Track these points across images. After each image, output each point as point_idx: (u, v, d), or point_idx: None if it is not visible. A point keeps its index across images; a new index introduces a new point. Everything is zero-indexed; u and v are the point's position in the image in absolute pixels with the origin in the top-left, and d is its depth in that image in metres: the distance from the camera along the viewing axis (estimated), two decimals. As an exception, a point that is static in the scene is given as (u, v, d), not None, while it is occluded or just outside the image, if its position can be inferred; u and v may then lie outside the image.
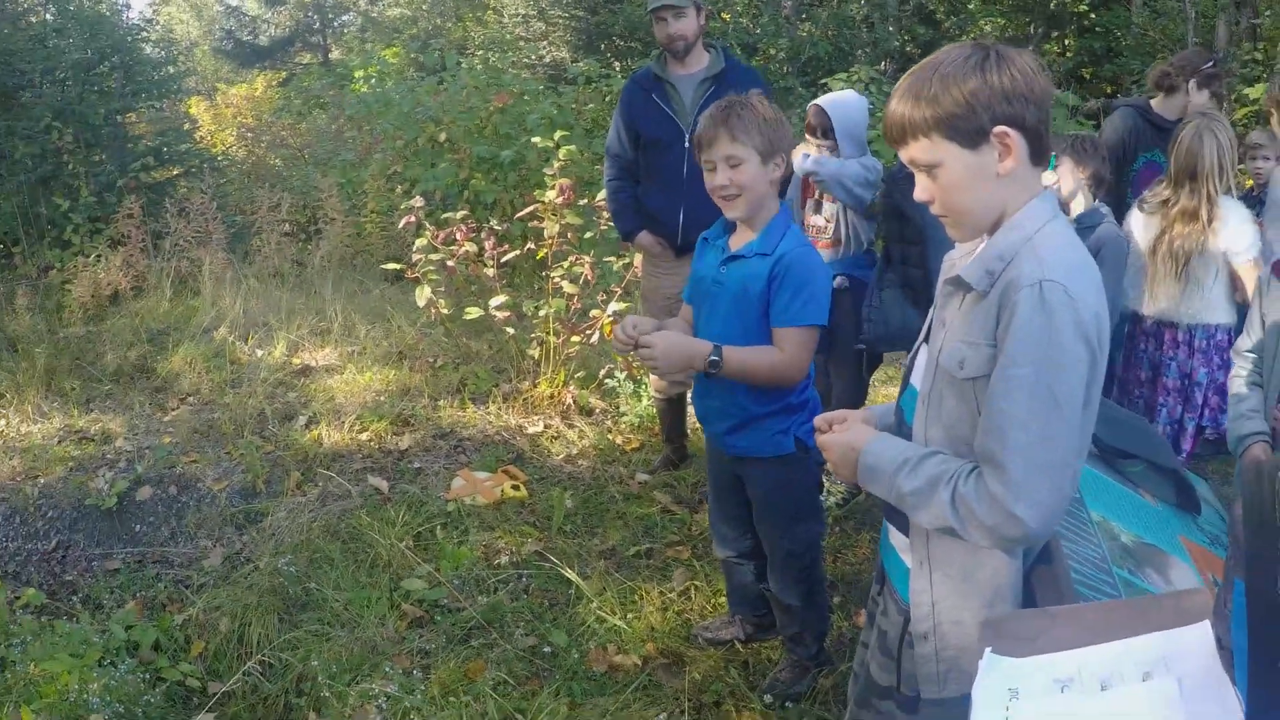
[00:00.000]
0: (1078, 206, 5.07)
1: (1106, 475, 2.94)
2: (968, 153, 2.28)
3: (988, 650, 1.83)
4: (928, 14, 19.52)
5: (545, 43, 22.60)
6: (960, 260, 2.49)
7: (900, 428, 2.60)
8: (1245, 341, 3.82)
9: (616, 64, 18.83)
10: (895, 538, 2.64)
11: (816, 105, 5.50)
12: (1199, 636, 1.62)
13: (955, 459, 2.34)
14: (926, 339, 2.57)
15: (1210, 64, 6.07)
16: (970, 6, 19.75)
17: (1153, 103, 6.16)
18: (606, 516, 5.51)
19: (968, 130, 2.25)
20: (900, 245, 4.95)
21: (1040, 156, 2.34)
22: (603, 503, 5.65)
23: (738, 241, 3.69)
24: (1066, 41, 19.01)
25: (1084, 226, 5.00)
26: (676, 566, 5.01)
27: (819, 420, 2.71)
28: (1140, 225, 5.11)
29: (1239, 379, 3.80)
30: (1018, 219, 2.31)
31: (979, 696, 1.76)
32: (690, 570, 4.96)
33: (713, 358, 3.49)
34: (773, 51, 17.12)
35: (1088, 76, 17.76)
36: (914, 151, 2.34)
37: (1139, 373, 5.25)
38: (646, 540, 5.28)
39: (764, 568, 4.16)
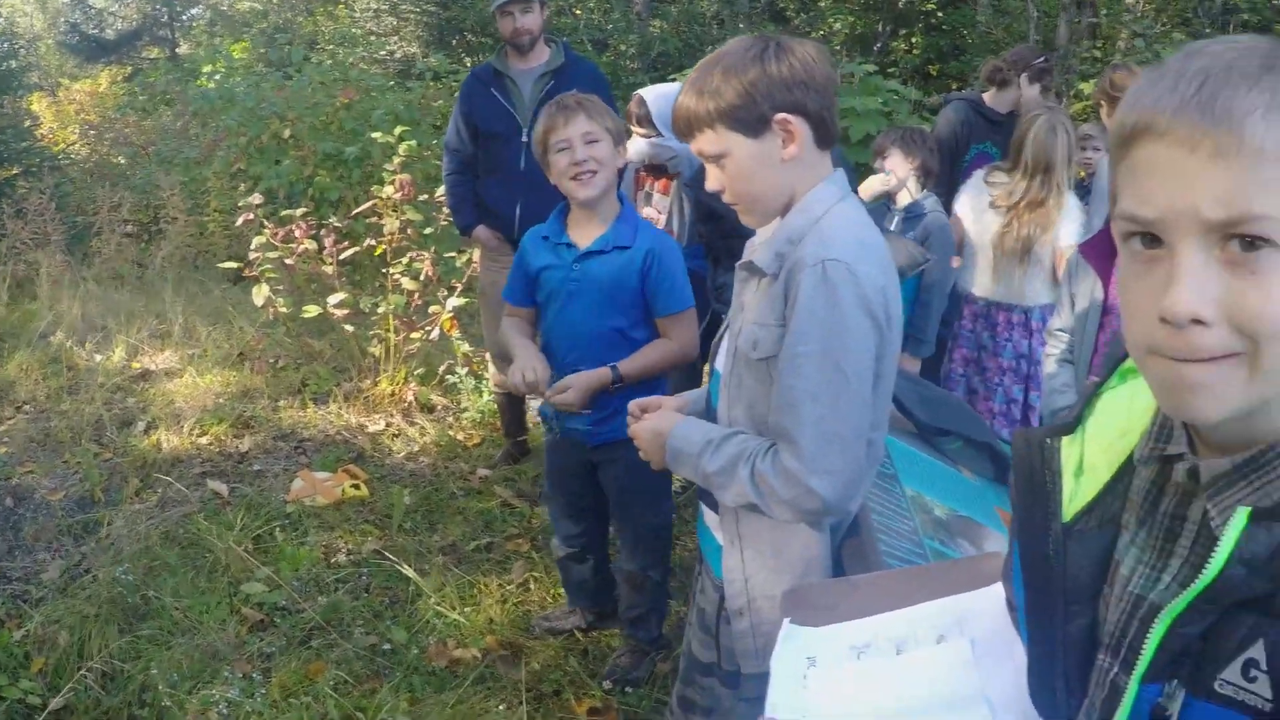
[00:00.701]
0: (907, 196, 5.17)
1: (923, 452, 3.00)
2: (752, 141, 2.32)
3: (786, 620, 1.85)
4: (778, 11, 19.72)
5: (396, 38, 22.37)
6: (757, 245, 2.52)
7: (709, 411, 2.64)
8: (1057, 321, 3.95)
9: (468, 59, 18.74)
10: (708, 516, 2.67)
11: (638, 95, 5.53)
12: (991, 598, 1.65)
13: (756, 438, 2.38)
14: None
15: (1042, 59, 6.25)
16: (820, 4, 19.99)
17: (985, 96, 6.34)
18: (447, 512, 5.47)
19: (750, 120, 2.30)
20: (723, 242, 4.95)
21: (826, 141, 2.40)
22: (443, 499, 5.61)
23: (583, 236, 3.69)
24: (914, 39, 19.33)
25: (913, 215, 5.11)
26: (516, 559, 5.00)
27: (632, 406, 2.75)
28: (971, 211, 5.21)
29: (1052, 357, 3.92)
30: (806, 202, 2.35)
31: (777, 667, 1.78)
32: (530, 562, 4.96)
33: (615, 381, 3.57)
34: (623, 48, 17.19)
35: (934, 73, 18.09)
36: (701, 143, 2.38)
37: (964, 352, 5.38)
38: (487, 535, 5.26)
39: (603, 560, 4.22)
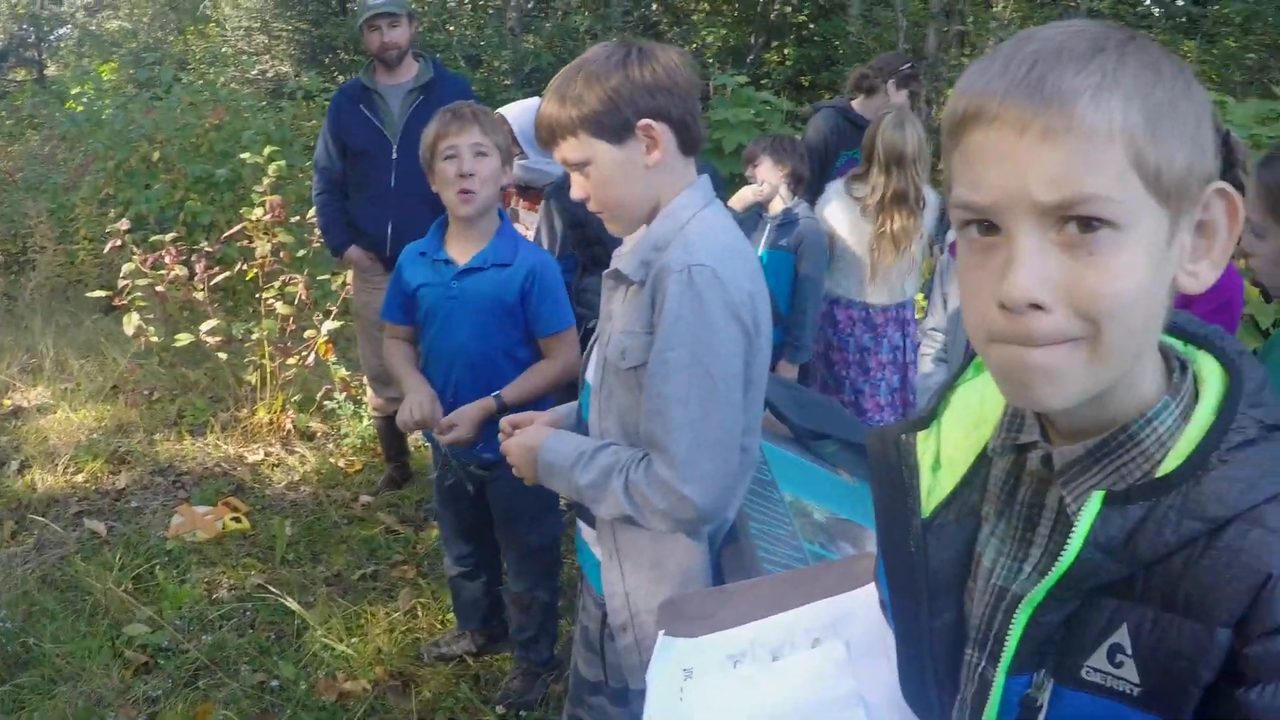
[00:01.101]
0: (779, 204, 5.20)
1: (801, 457, 3.01)
2: (615, 148, 2.30)
3: (660, 633, 1.85)
4: (651, 24, 19.84)
5: (268, 56, 22.12)
6: (624, 253, 2.50)
7: (580, 423, 2.61)
8: (930, 320, 4.00)
9: (340, 77, 18.56)
10: (585, 532, 2.65)
11: (499, 114, 5.49)
12: (866, 598, 1.66)
13: (628, 448, 2.36)
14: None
15: (908, 65, 6.32)
16: (694, 17, 20.13)
17: (854, 104, 6.39)
18: (330, 542, 5.37)
19: (613, 126, 2.28)
20: (586, 250, 4.92)
21: (690, 147, 2.39)
22: (326, 528, 5.50)
23: (462, 252, 3.63)
24: (786, 50, 19.53)
25: (785, 223, 5.14)
26: (403, 586, 4.92)
27: (504, 423, 2.72)
28: (845, 221, 5.26)
29: (927, 356, 3.97)
30: (671, 208, 2.35)
31: (653, 681, 1.78)
32: (417, 589, 4.88)
33: (500, 410, 3.48)
34: (496, 63, 17.14)
35: (806, 84, 18.30)
36: (565, 151, 2.35)
37: (846, 355, 5.42)
38: (371, 562, 5.17)
39: (495, 580, 4.15)
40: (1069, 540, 1.07)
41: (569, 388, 4.67)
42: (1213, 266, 1.07)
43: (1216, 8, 16.03)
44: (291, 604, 4.59)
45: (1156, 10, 17.99)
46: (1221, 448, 1.05)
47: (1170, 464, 1.06)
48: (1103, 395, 1.07)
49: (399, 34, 5.49)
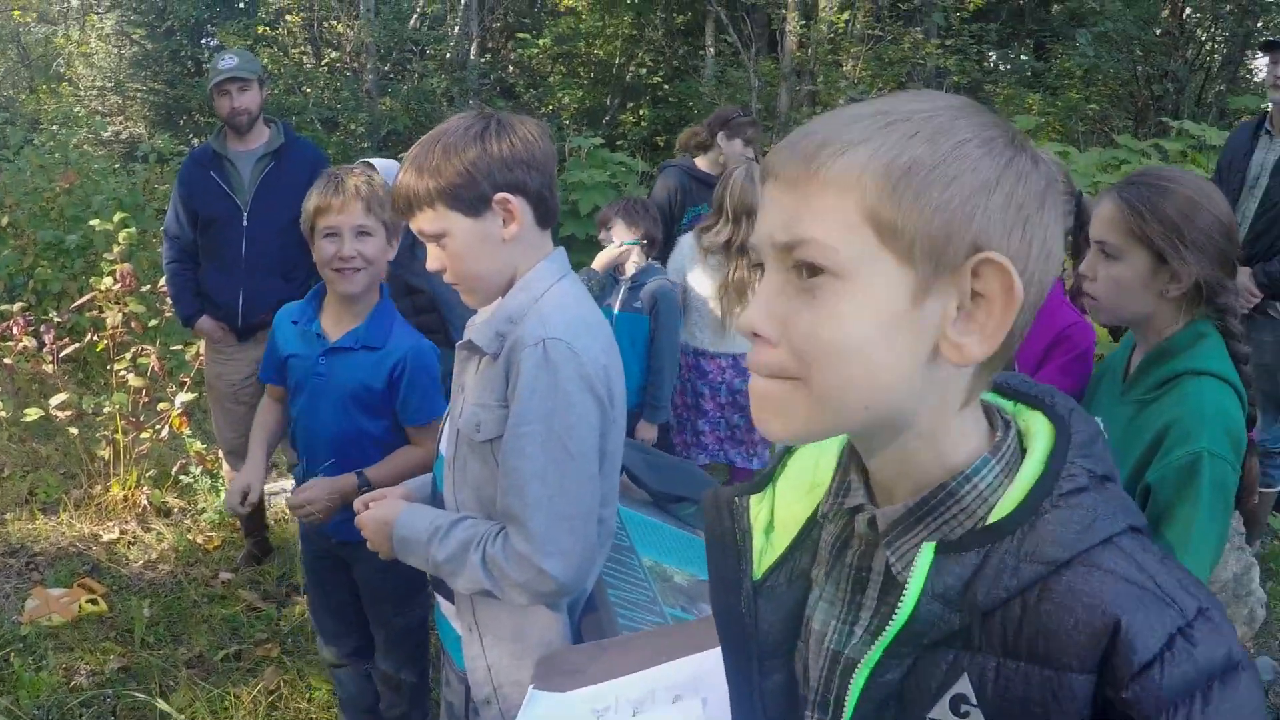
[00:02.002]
0: (632, 266, 5.24)
1: (659, 520, 3.01)
2: (471, 221, 2.31)
3: (530, 687, 1.89)
4: (508, 87, 19.91)
5: (121, 117, 21.74)
6: (478, 324, 2.50)
7: (435, 495, 2.59)
8: None
9: (195, 140, 18.30)
10: (444, 606, 2.62)
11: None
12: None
13: (485, 521, 2.35)
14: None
15: (735, 114, 6.42)
16: (550, 79, 20.24)
17: (696, 161, 6.48)
18: (191, 622, 5.21)
19: (470, 199, 2.29)
20: (416, 318, 4.87)
21: (546, 220, 2.41)
22: (186, 607, 5.34)
23: (335, 327, 3.48)
24: (641, 111, 19.71)
25: (639, 284, 5.17)
26: (267, 665, 4.80)
27: (357, 502, 2.67)
28: (695, 268, 5.34)
29: None
30: (526, 280, 2.36)
31: None
32: (282, 667, 4.76)
33: (362, 488, 3.31)
34: (353, 126, 17.04)
35: (661, 144, 18.46)
36: (421, 222, 2.35)
37: (719, 399, 5.46)
38: (234, 642, 5.03)
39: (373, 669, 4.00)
40: (903, 594, 1.08)
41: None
42: (983, 340, 1.05)
43: (1059, 61, 16.55)
44: (146, 697, 4.42)
45: (1002, 65, 18.51)
46: (1054, 494, 1.06)
47: (1001, 511, 1.07)
48: (903, 453, 1.10)
49: (249, 99, 5.41)
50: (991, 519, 1.07)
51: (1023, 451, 1.13)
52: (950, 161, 1.01)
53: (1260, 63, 15.30)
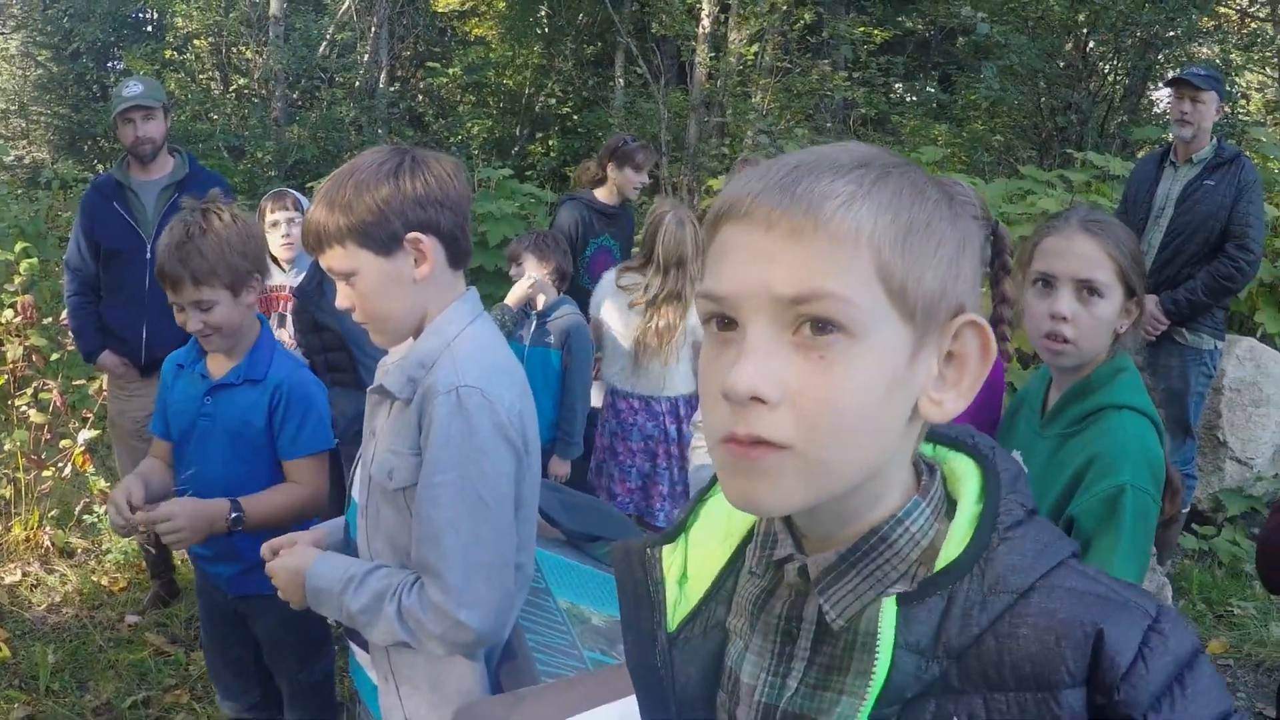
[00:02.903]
0: (543, 300, 5.21)
1: (575, 561, 2.97)
2: (382, 260, 2.26)
3: None
4: (417, 116, 19.81)
5: (25, 141, 21.36)
6: (389, 367, 2.45)
7: (348, 543, 2.54)
8: (700, 414, 4.00)
9: (101, 166, 18.01)
10: (359, 655, 2.56)
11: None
12: None
13: (400, 571, 2.30)
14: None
15: (621, 142, 6.45)
16: (459, 109, 20.19)
17: (596, 193, 6.49)
18: (97, 667, 5.07)
19: (381, 237, 2.24)
20: (324, 355, 4.80)
21: (459, 260, 2.37)
22: (92, 652, 5.19)
23: (219, 367, 3.35)
24: (550, 142, 19.72)
25: (550, 319, 5.14)
26: (177, 712, 4.67)
27: (265, 548, 2.58)
28: (616, 313, 5.29)
29: (700, 449, 3.96)
30: (438, 323, 2.32)
31: None
32: (192, 714, 4.65)
33: (234, 515, 3.14)
34: (260, 155, 16.86)
35: (570, 175, 18.46)
36: (331, 259, 2.30)
37: (630, 444, 5.41)
38: (143, 688, 4.89)
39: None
40: (875, 654, 1.06)
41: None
42: (959, 397, 1.08)
43: (964, 94, 16.78)
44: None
45: (909, 97, 18.75)
46: (999, 529, 1.07)
47: (951, 552, 1.07)
48: (844, 503, 1.07)
49: (153, 128, 5.32)
50: (941, 562, 1.07)
51: (948, 493, 1.15)
52: (935, 222, 1.03)
53: (1161, 94, 15.64)
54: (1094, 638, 1.01)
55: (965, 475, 1.14)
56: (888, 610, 1.06)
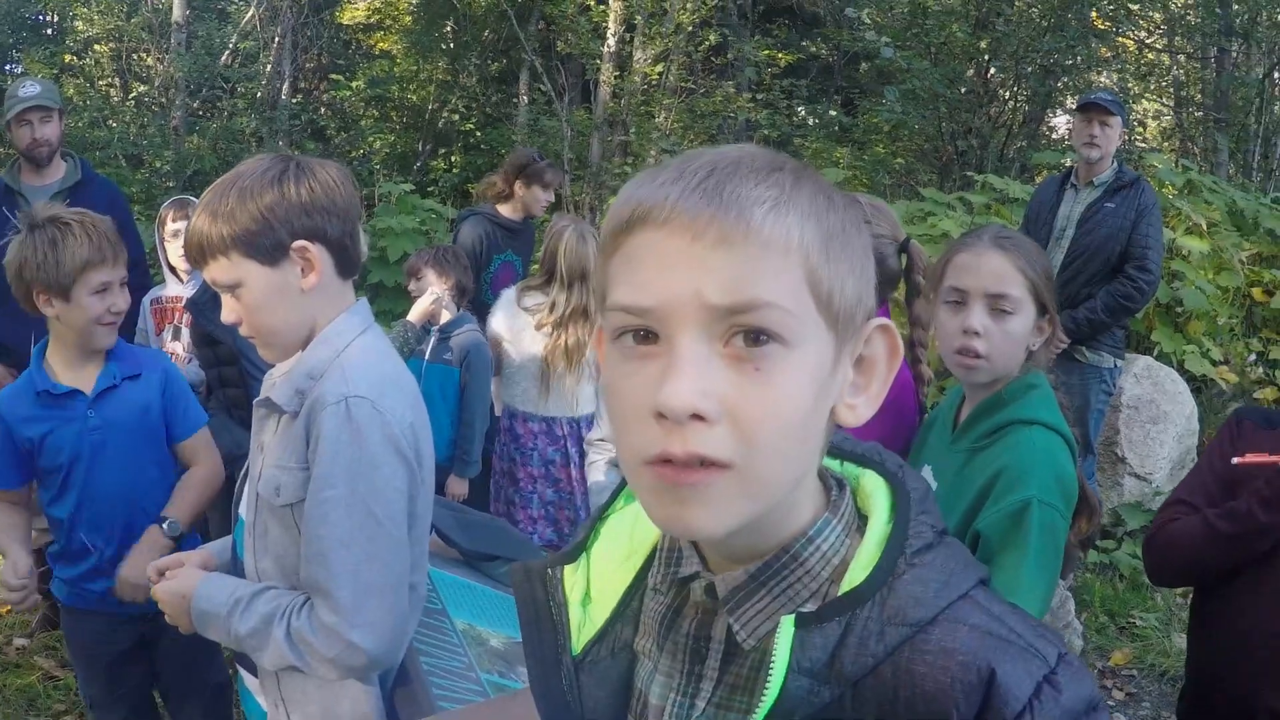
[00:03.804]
0: (445, 316, 5.13)
1: (472, 580, 2.90)
2: (268, 270, 2.18)
3: None
4: (319, 129, 19.59)
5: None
6: (277, 379, 2.35)
7: (235, 563, 2.43)
8: (596, 432, 3.95)
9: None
10: (248, 680, 2.45)
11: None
12: None
13: (288, 592, 2.21)
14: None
15: (530, 158, 6.41)
16: (361, 123, 20.01)
17: (499, 208, 6.40)
18: (-19, 692, 4.87)
19: (266, 246, 2.16)
20: (216, 369, 4.71)
21: (348, 269, 2.29)
22: (-24, 676, 4.99)
23: (84, 378, 3.25)
24: (453, 158, 19.60)
25: (450, 335, 5.06)
26: (66, 737, 4.48)
27: (151, 569, 2.46)
28: (508, 331, 5.21)
29: (597, 464, 3.91)
30: (327, 334, 2.24)
31: None
32: (83, 739, 4.46)
33: (168, 526, 3.14)
34: (158, 164, 16.56)
35: (472, 191, 18.39)
36: (214, 271, 2.21)
37: (531, 469, 5.29)
38: (31, 714, 4.73)
39: None
40: (769, 673, 1.01)
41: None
42: (870, 402, 1.06)
43: (866, 117, 16.96)
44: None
45: (811, 120, 18.90)
46: (906, 554, 1.04)
47: (856, 577, 1.03)
48: (761, 521, 1.02)
49: (50, 130, 5.20)
50: (846, 585, 1.03)
51: (858, 509, 1.11)
52: (848, 228, 1.01)
53: (1059, 120, 15.98)
54: (986, 680, 0.98)
55: (875, 491, 1.12)
56: (784, 630, 1.02)
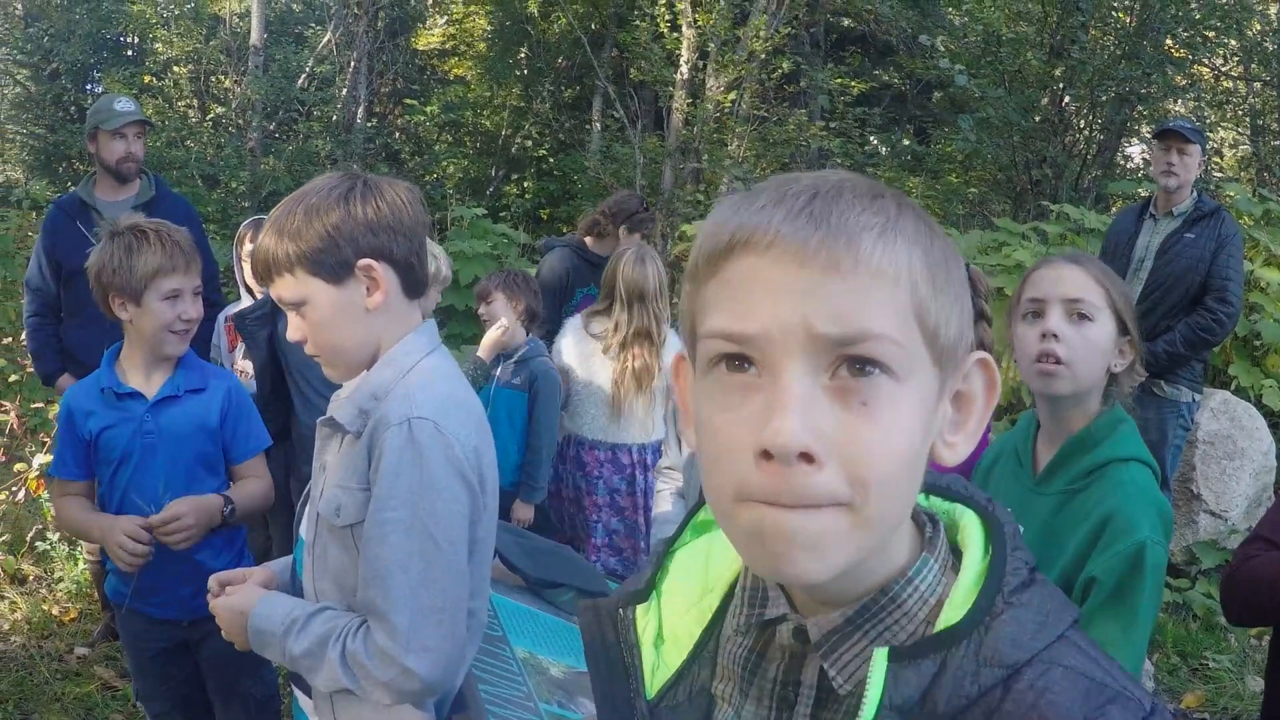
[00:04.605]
0: (516, 338, 5.12)
1: (534, 608, 2.87)
2: (334, 288, 2.18)
3: None
4: (393, 153, 19.77)
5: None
6: (341, 399, 2.35)
7: (294, 583, 2.42)
8: (665, 460, 3.94)
9: (74, 187, 17.83)
10: (302, 700, 2.44)
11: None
12: None
13: (345, 614, 2.19)
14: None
15: (638, 208, 6.40)
16: (435, 147, 20.16)
17: (586, 240, 6.39)
18: (42, 700, 4.90)
19: (332, 265, 2.16)
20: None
21: (414, 289, 2.28)
22: (38, 684, 5.02)
23: (148, 384, 3.32)
24: (526, 184, 19.72)
25: (519, 360, 5.04)
26: (121, 747, 4.50)
27: (212, 582, 2.47)
28: (577, 358, 5.21)
29: (664, 493, 3.89)
30: (392, 354, 2.23)
31: None
32: (140, 751, 4.47)
33: (229, 508, 3.21)
34: (234, 184, 16.76)
35: (545, 216, 18.47)
36: (280, 289, 2.21)
37: (596, 498, 5.27)
38: (89, 724, 4.72)
39: None
40: (861, 708, 0.97)
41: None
42: (968, 439, 1.02)
43: (939, 146, 16.86)
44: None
45: (883, 149, 18.82)
46: (1004, 591, 0.99)
47: (953, 615, 0.99)
48: (863, 562, 0.97)
49: (141, 147, 5.30)
50: (942, 623, 0.99)
51: (952, 547, 1.07)
52: (949, 257, 0.98)
53: (1134, 149, 15.78)
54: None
55: (967, 527, 1.07)
56: (878, 663, 0.97)
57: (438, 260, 4.65)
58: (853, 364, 0.91)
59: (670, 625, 1.19)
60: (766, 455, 0.89)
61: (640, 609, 1.21)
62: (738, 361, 0.94)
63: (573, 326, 5.34)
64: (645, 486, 5.26)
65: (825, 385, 0.91)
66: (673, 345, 5.13)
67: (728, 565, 1.16)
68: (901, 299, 0.92)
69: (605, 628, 1.22)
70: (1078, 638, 1.01)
